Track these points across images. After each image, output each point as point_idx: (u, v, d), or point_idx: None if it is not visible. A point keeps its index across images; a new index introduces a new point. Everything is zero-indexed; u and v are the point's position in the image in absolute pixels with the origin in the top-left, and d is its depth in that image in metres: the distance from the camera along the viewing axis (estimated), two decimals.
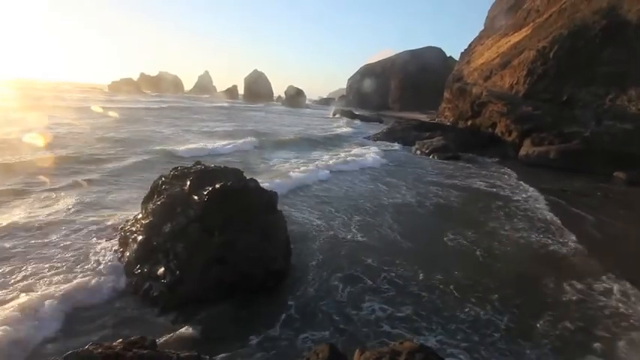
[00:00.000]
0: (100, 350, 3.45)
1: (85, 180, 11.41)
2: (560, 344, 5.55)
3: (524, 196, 14.71)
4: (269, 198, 7.64)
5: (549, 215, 12.26)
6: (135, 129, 24.42)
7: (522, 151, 23.76)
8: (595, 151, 20.90)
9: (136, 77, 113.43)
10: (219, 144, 20.49)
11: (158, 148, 17.89)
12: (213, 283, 6.02)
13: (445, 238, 9.46)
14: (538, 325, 5.97)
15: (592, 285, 7.41)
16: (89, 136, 19.65)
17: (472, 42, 49.56)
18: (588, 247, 9.44)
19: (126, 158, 15.07)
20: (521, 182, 17.53)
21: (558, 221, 11.60)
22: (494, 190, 15.66)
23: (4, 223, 7.76)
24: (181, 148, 18.24)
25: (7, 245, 6.93)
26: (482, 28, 51.56)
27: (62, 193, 10.05)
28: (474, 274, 7.59)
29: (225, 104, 66.43)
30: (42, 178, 11.11)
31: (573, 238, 10.07)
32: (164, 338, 4.95)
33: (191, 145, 19.61)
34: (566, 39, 26.07)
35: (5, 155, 13.47)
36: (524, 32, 33.99)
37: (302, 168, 15.36)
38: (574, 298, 6.93)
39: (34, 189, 10.20)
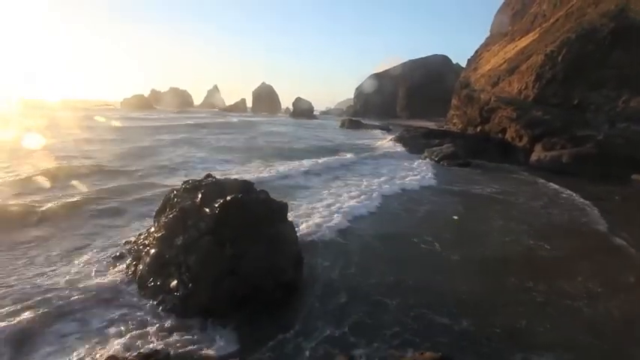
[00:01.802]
0: None
1: None
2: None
3: (540, 203, 14.46)
4: (280, 209, 7.66)
5: (560, 219, 11.99)
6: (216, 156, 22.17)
7: (534, 156, 23.40)
8: (609, 155, 20.44)
9: (146, 93, 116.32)
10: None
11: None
12: (225, 296, 6.01)
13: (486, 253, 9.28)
14: (494, 331, 5.78)
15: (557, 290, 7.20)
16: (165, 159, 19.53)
17: (478, 48, 49.59)
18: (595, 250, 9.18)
19: None
20: (535, 187, 17.25)
21: (570, 225, 11.33)
22: (503, 196, 15.41)
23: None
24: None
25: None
26: (488, 34, 51.64)
27: None
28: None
29: (236, 119, 64.41)
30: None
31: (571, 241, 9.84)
32: (177, 350, 4.94)
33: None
34: (575, 42, 25.89)
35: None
36: (531, 37, 33.91)
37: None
38: (539, 299, 6.82)
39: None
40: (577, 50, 25.50)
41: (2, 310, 5.46)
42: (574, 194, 15.66)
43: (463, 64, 56.58)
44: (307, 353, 5.12)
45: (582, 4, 29.74)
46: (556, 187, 17.17)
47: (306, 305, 6.37)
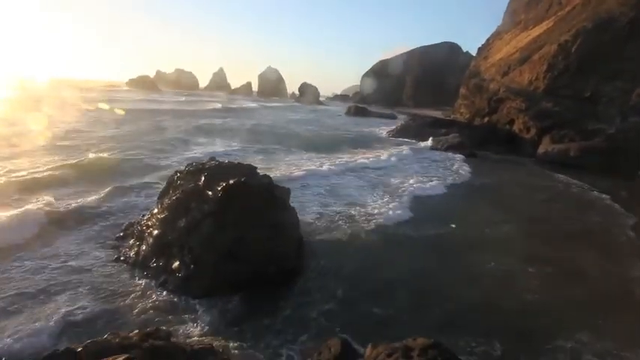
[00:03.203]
0: (117, 340, 3.56)
1: None
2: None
3: (533, 196, 14.33)
4: (282, 194, 7.68)
5: (560, 214, 11.92)
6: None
7: (541, 149, 23.07)
8: (619, 149, 20.07)
9: (152, 75, 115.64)
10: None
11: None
12: (226, 278, 6.10)
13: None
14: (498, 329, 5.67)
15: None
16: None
17: (490, 37, 48.32)
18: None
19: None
20: (535, 180, 17.11)
21: (583, 220, 11.25)
22: (511, 188, 15.30)
23: None
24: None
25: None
26: (500, 22, 50.23)
27: None
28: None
29: (254, 104, 62.66)
30: None
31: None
32: (178, 330, 5.06)
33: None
34: (591, 32, 25.11)
35: None
36: (545, 26, 32.93)
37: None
38: (549, 299, 6.74)
39: None
40: (592, 40, 24.75)
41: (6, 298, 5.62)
42: (585, 190, 15.47)
43: (474, 52, 55.29)
44: (304, 336, 5.21)
45: None
46: (575, 182, 16.84)
47: (305, 289, 6.44)
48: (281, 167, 15.50)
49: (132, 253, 6.93)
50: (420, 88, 78.59)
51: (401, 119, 43.81)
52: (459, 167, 18.81)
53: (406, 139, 28.70)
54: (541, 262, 8.11)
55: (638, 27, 23.56)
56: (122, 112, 31.60)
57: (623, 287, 7.33)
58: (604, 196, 14.45)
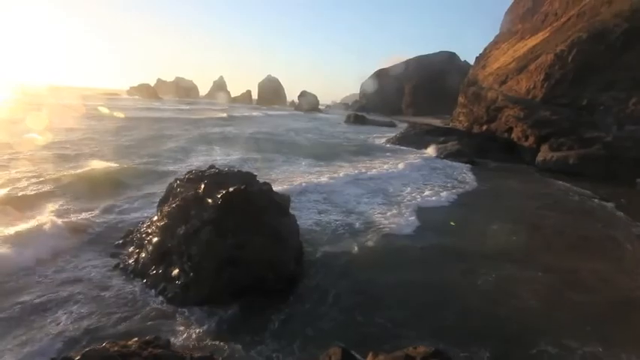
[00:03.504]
0: (116, 348, 3.53)
1: None
2: None
3: (538, 204, 14.34)
4: (282, 202, 7.69)
5: (564, 222, 11.91)
6: None
7: (540, 157, 23.18)
8: (617, 157, 20.19)
9: (152, 83, 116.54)
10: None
11: None
12: (226, 285, 6.07)
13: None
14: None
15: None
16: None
17: (487, 46, 48.97)
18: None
19: None
20: (536, 187, 17.13)
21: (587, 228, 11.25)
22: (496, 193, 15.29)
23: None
24: None
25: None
26: (498, 32, 50.96)
27: None
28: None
29: (254, 112, 62.58)
30: None
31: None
32: (178, 338, 5.02)
33: None
34: (586, 42, 25.47)
35: None
36: (542, 36, 33.41)
37: None
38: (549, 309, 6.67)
39: None
40: (588, 50, 25.08)
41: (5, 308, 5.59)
42: (587, 198, 15.45)
43: (471, 62, 55.95)
44: (304, 344, 5.17)
45: (595, 4, 29.20)
46: (576, 189, 16.83)
47: (305, 297, 6.40)
48: (281, 175, 15.54)
49: (131, 261, 6.90)
50: (418, 96, 79.17)
51: (400, 127, 44.05)
52: (459, 175, 18.85)
53: (405, 147, 28.81)
54: (545, 271, 8.09)
55: (633, 37, 23.92)
56: (123, 119, 31.76)
57: (628, 295, 7.31)
58: (605, 203, 14.46)
